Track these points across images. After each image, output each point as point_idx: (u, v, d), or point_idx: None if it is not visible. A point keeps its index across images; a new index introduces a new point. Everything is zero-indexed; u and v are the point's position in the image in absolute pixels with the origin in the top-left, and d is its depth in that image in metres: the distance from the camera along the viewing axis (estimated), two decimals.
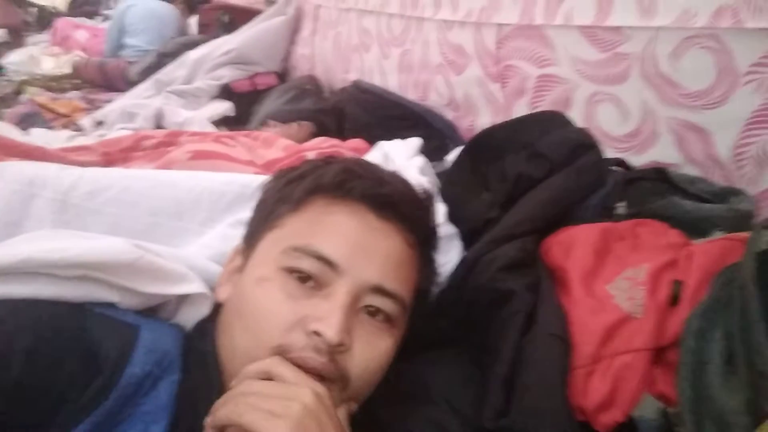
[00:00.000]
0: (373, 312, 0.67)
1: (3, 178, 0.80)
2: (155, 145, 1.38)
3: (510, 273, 0.79)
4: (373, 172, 0.76)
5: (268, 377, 0.60)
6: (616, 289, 0.75)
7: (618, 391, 0.67)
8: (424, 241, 0.76)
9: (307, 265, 0.66)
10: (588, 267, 0.78)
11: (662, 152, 1.14)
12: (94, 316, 0.63)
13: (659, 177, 1.02)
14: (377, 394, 0.70)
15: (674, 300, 0.72)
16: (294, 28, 2.80)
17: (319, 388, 0.59)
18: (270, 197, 0.75)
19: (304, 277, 0.66)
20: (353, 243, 0.68)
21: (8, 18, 5.65)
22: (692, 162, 1.10)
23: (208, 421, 0.59)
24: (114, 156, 1.34)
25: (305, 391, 0.57)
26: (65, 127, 2.55)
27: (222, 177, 0.91)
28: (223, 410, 0.58)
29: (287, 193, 0.73)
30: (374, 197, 0.71)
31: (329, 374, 0.62)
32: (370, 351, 0.66)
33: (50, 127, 2.54)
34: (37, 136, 2.01)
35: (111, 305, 0.66)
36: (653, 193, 0.98)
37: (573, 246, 0.82)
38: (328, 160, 0.77)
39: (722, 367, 0.60)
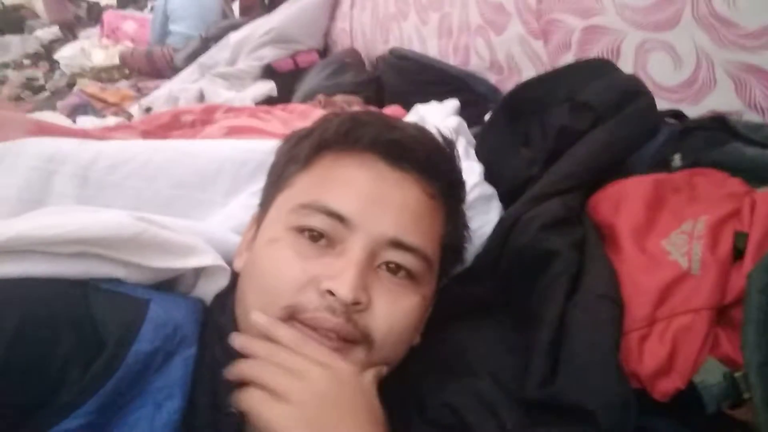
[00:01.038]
0: (393, 269, 0.63)
1: (22, 155, 0.79)
2: (192, 121, 1.37)
3: (553, 232, 0.73)
4: (382, 119, 0.71)
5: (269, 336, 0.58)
6: (671, 244, 0.68)
7: (677, 356, 0.61)
8: (446, 190, 0.70)
9: (317, 222, 0.62)
10: (640, 222, 0.72)
11: (720, 100, 1.05)
12: (99, 292, 0.60)
13: (719, 126, 0.93)
14: (412, 361, 0.66)
15: (738, 253, 0.64)
16: (333, 4, 2.76)
17: (337, 361, 0.57)
18: (280, 160, 0.72)
19: (315, 236, 0.62)
20: (365, 195, 0.63)
21: (61, 14, 5.80)
22: (754, 108, 1.01)
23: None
24: (153, 133, 1.33)
25: (314, 369, 0.55)
26: (115, 115, 2.59)
27: (244, 145, 0.88)
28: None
29: (296, 152, 0.69)
30: (384, 144, 0.66)
31: (347, 335, 0.59)
32: (394, 309, 0.61)
33: (101, 116, 2.58)
34: (84, 124, 2.04)
35: (119, 281, 0.63)
36: (712, 143, 0.90)
37: (623, 200, 0.75)
38: (336, 114, 0.73)
39: None
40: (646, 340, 0.63)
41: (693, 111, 1.06)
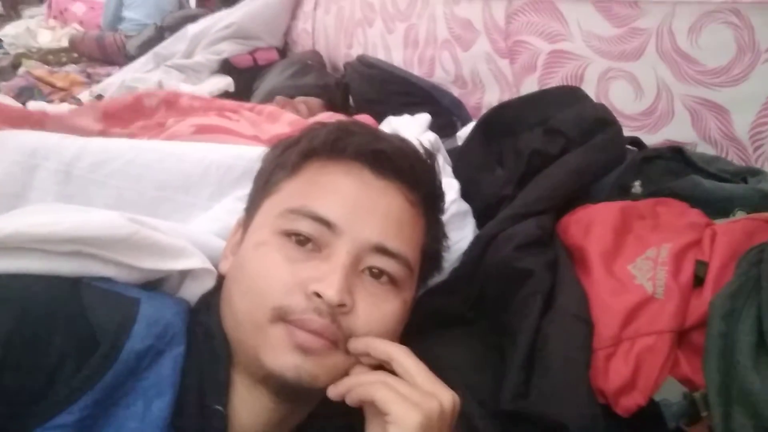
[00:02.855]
0: (376, 274, 0.65)
1: (4, 149, 0.77)
2: (157, 105, 1.35)
3: (527, 251, 0.77)
4: (368, 130, 0.74)
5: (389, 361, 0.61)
6: (637, 269, 0.73)
7: (640, 374, 0.65)
8: (427, 199, 0.73)
9: (304, 226, 0.64)
10: (608, 246, 0.76)
11: (677, 131, 1.12)
12: (91, 289, 0.60)
13: (676, 156, 0.99)
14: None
15: (698, 281, 0.70)
16: (296, 3, 2.76)
17: (458, 400, 0.60)
18: (268, 166, 0.73)
19: (302, 240, 0.64)
20: (351, 202, 0.65)
21: None
22: (708, 141, 1.08)
23: (331, 391, 0.61)
24: (114, 115, 1.30)
25: (447, 395, 0.59)
26: (63, 100, 2.52)
27: (231, 150, 0.88)
28: (358, 389, 0.60)
29: (284, 159, 0.71)
30: (370, 153, 0.68)
31: (332, 335, 0.61)
32: (376, 312, 0.64)
33: (49, 101, 2.50)
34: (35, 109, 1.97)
35: (110, 280, 0.64)
36: (670, 172, 0.96)
37: (592, 225, 0.80)
38: (323, 123, 0.75)
39: (753, 350, 0.59)
40: (612, 359, 0.68)
41: (650, 139, 1.13)
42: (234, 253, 0.71)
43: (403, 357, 0.61)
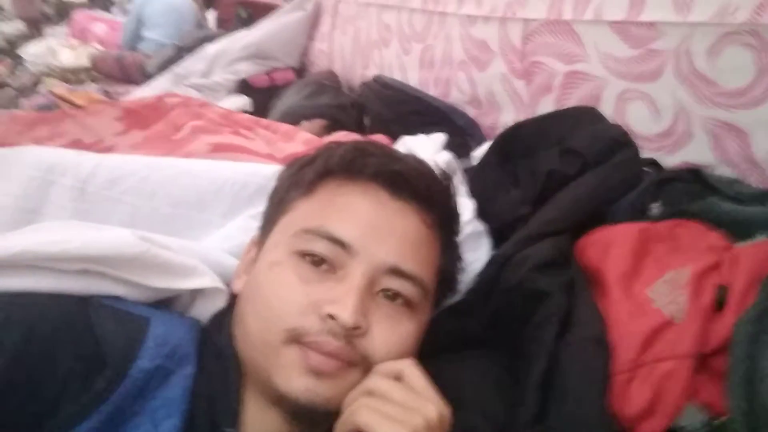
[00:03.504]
0: (391, 296, 0.65)
1: (21, 164, 0.78)
2: (177, 103, 1.35)
3: (543, 273, 0.76)
4: (385, 151, 0.74)
5: (399, 378, 0.59)
6: (656, 292, 0.71)
7: (660, 400, 0.64)
8: (443, 221, 0.73)
9: (320, 247, 0.63)
10: (626, 269, 0.75)
11: (695, 153, 1.11)
12: (101, 308, 0.60)
13: (694, 178, 0.98)
14: None
15: (719, 305, 0.68)
16: (313, 24, 2.78)
17: (445, 410, 0.59)
18: (283, 184, 0.73)
19: (317, 261, 0.63)
20: (367, 223, 0.65)
21: (27, 10, 5.69)
22: (727, 163, 1.06)
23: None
24: (135, 112, 1.31)
25: (430, 408, 0.57)
26: None
27: (245, 168, 0.88)
28: (348, 416, 0.58)
29: (299, 178, 0.71)
30: (387, 174, 0.68)
31: (347, 358, 0.60)
32: (391, 334, 0.63)
33: None
34: None
35: (119, 298, 0.63)
36: (688, 194, 0.95)
37: (610, 246, 0.78)
38: (340, 143, 0.74)
39: None
40: (631, 384, 0.66)
41: (669, 161, 1.11)
42: (247, 272, 0.71)
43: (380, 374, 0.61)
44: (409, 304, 0.66)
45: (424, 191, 0.70)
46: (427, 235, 0.69)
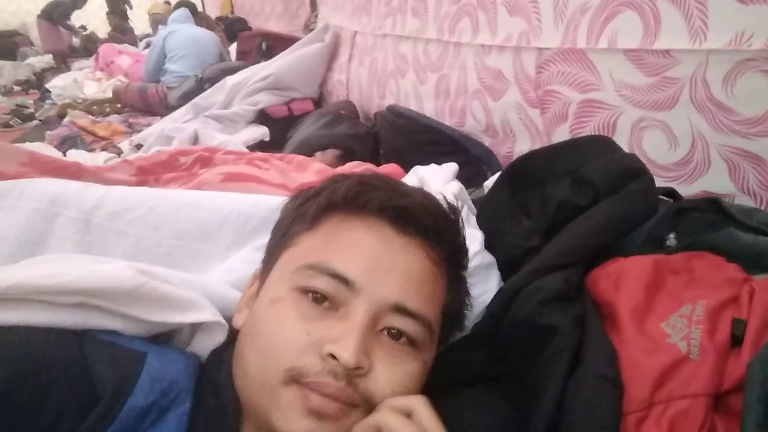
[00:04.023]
0: (395, 334, 0.63)
1: (25, 197, 0.78)
2: (192, 162, 1.37)
3: (553, 307, 0.73)
4: (391, 184, 0.72)
5: (409, 415, 0.58)
6: (670, 327, 0.68)
7: None
8: (449, 257, 0.71)
9: (322, 283, 0.62)
10: (640, 302, 0.72)
11: (714, 181, 1.08)
12: (95, 343, 0.59)
13: (712, 208, 0.95)
14: None
15: (736, 340, 0.65)
16: (331, 55, 2.81)
17: None
18: (287, 217, 0.72)
19: (319, 298, 0.62)
20: (370, 259, 0.63)
21: (55, 44, 5.85)
22: (746, 192, 1.04)
23: None
24: (148, 170, 1.32)
25: None
26: (104, 149, 2.59)
27: (249, 199, 0.88)
28: None
29: (303, 211, 0.70)
30: (392, 210, 0.66)
31: (348, 399, 0.58)
32: (394, 374, 0.61)
33: (90, 150, 2.58)
34: (75, 158, 2.02)
35: (116, 333, 0.62)
36: (706, 224, 0.92)
37: (623, 279, 0.76)
38: (345, 175, 0.73)
39: None
40: (643, 424, 0.63)
41: (686, 190, 1.09)
42: (249, 306, 0.69)
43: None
44: (413, 342, 0.64)
45: (430, 227, 0.68)
46: (432, 271, 0.68)
